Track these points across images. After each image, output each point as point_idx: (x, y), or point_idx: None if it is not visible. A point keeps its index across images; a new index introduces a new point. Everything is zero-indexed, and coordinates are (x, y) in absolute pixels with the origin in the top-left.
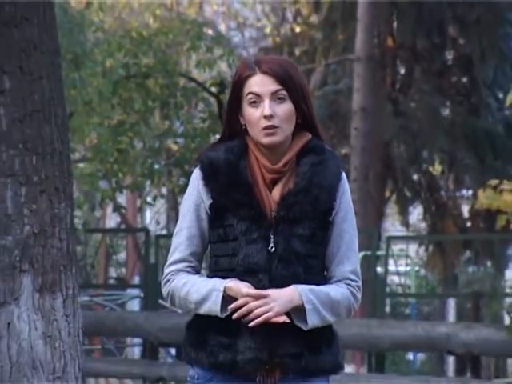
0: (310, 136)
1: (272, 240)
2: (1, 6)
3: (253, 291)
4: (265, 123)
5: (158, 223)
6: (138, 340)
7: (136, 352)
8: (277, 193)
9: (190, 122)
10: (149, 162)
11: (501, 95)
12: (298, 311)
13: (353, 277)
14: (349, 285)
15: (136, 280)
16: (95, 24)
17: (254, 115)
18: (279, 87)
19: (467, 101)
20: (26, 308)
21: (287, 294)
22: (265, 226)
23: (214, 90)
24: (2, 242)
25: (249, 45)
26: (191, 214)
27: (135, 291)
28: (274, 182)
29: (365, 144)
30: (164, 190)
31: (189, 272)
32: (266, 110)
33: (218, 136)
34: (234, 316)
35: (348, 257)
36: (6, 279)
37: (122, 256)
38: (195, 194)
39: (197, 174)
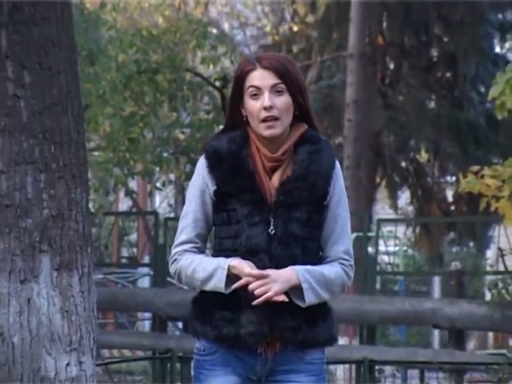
0: (306, 127)
1: (272, 223)
2: (21, 6)
3: (254, 272)
4: (265, 114)
5: (170, 206)
6: (148, 314)
7: (146, 325)
8: (276, 179)
9: (195, 113)
10: (158, 151)
11: (482, 89)
12: (295, 290)
13: (346, 256)
14: (342, 264)
15: (146, 259)
16: (109, 23)
17: (254, 107)
18: (278, 81)
19: (451, 94)
20: (44, 285)
21: (285, 275)
22: (265, 210)
23: (217, 84)
24: (23, 224)
25: (250, 43)
26: (197, 198)
27: (145, 269)
28: (274, 170)
29: (357, 134)
30: (172, 177)
31: (194, 252)
32: (265, 102)
33: (221, 127)
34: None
35: (341, 238)
36: (26, 259)
37: (133, 237)
38: (200, 180)
39: (202, 162)
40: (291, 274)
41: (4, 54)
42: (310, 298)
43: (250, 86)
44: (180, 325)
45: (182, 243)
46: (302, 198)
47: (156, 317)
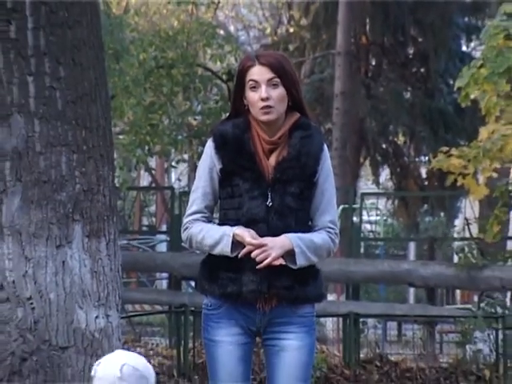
0: (299, 115)
1: (269, 197)
2: (56, 10)
3: (255, 241)
4: (262, 104)
5: (179, 180)
6: (165, 274)
7: (163, 284)
8: (273, 160)
9: (205, 102)
10: (174, 134)
11: (451, 82)
12: (289, 254)
13: (332, 225)
14: (328, 232)
15: (163, 227)
16: (131, 26)
17: (253, 98)
18: (273, 75)
19: (424, 86)
20: (77, 250)
21: (281, 242)
22: (264, 186)
23: (224, 77)
24: (58, 197)
25: (252, 42)
26: (205, 175)
27: (163, 236)
28: (271, 151)
29: (344, 121)
30: (186, 156)
31: (203, 221)
32: (262, 94)
33: (227, 114)
34: (241, 255)
35: (328, 210)
36: (61, 227)
37: (152, 208)
38: (209, 160)
39: (210, 144)
40: (285, 241)
41: (42, 51)
42: (301, 261)
43: (250, 80)
44: (192, 283)
45: (192, 213)
46: (295, 175)
47: (172, 276)
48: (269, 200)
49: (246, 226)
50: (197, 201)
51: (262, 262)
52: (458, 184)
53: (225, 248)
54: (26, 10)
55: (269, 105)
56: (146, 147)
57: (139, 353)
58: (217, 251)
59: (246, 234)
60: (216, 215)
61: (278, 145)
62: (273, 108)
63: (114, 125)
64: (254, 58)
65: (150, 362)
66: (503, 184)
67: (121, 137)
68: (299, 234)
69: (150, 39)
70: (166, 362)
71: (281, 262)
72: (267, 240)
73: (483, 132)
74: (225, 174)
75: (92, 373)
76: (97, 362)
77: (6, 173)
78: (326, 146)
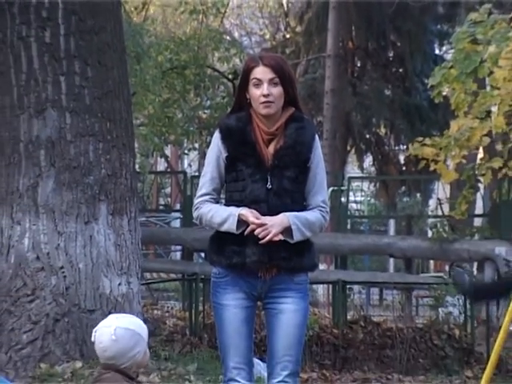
0: (293, 109)
1: (269, 180)
2: (84, 19)
3: (257, 221)
4: (263, 99)
5: (197, 165)
6: (178, 247)
7: (178, 255)
8: (271, 148)
9: (213, 98)
10: (186, 126)
11: (426, 81)
12: (287, 230)
13: (323, 205)
14: (320, 210)
15: (177, 206)
16: (150, 32)
17: (256, 93)
18: (274, 75)
19: (402, 85)
20: (102, 226)
21: (279, 220)
22: (264, 171)
23: (230, 77)
24: (86, 180)
25: (254, 47)
26: (213, 162)
27: (177, 214)
28: (270, 141)
29: (333, 114)
30: (196, 145)
31: (212, 202)
32: (264, 91)
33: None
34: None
35: (320, 191)
36: (89, 206)
37: (167, 190)
38: (216, 148)
39: (217, 135)
40: (284, 219)
41: (72, 54)
42: (297, 236)
43: (254, 78)
44: (202, 255)
45: (202, 195)
46: (291, 161)
47: (184, 249)
48: (268, 183)
49: (249, 205)
50: (206, 184)
51: (263, 238)
52: (432, 169)
53: (231, 226)
54: (59, 19)
55: (269, 100)
56: (162, 137)
57: (156, 315)
58: (224, 228)
59: (250, 215)
60: (222, 196)
61: (275, 135)
62: (272, 103)
63: (135, 118)
64: (258, 60)
65: (166, 323)
66: (470, 169)
67: (141, 128)
68: (295, 213)
69: (166, 44)
70: (179, 323)
71: (280, 237)
72: (268, 219)
73: (453, 125)
74: (230, 161)
75: (92, 339)
76: (94, 329)
77: (41, 159)
78: (317, 136)
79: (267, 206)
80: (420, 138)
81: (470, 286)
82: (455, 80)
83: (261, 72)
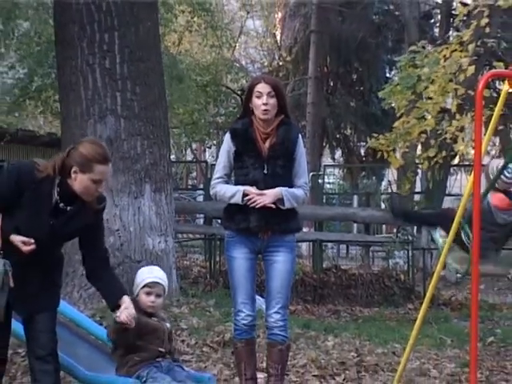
0: (283, 116)
1: (265, 167)
2: (134, 51)
3: (256, 191)
4: (263, 107)
5: (215, 157)
6: (202, 215)
7: (201, 221)
8: (267, 144)
9: (227, 108)
10: (207, 128)
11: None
12: (279, 200)
13: (304, 184)
14: (303, 188)
15: (201, 186)
16: (183, 60)
17: (258, 103)
18: (271, 90)
19: (363, 99)
20: (147, 200)
21: (274, 192)
22: (262, 160)
23: (239, 93)
24: (135, 167)
25: (256, 71)
26: (225, 154)
27: (201, 191)
28: (266, 139)
29: (313, 120)
30: (214, 142)
31: (224, 183)
32: (264, 101)
33: (238, 115)
34: (248, 203)
35: (302, 175)
36: (137, 186)
37: (194, 174)
38: (227, 145)
39: (227, 135)
40: (277, 191)
41: (125, 76)
42: (287, 204)
43: (257, 91)
44: (219, 221)
45: (217, 178)
46: (281, 153)
47: (206, 216)
48: (265, 169)
49: (251, 185)
50: (220, 170)
51: (262, 206)
52: (385, 158)
53: (238, 199)
54: (116, 51)
55: (267, 108)
56: (190, 137)
57: (185, 264)
58: (233, 201)
59: (251, 189)
60: (232, 179)
61: (270, 134)
62: (269, 111)
63: (170, 122)
64: (261, 78)
65: (192, 270)
66: (411, 157)
67: (174, 130)
68: (285, 188)
69: (193, 68)
70: (202, 270)
71: (273, 205)
72: (265, 191)
73: (398, 123)
74: (237, 154)
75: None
76: (148, 267)
77: None
78: (300, 136)
79: (264, 185)
80: (375, 135)
81: (396, 206)
82: (399, 93)
83: (262, 87)
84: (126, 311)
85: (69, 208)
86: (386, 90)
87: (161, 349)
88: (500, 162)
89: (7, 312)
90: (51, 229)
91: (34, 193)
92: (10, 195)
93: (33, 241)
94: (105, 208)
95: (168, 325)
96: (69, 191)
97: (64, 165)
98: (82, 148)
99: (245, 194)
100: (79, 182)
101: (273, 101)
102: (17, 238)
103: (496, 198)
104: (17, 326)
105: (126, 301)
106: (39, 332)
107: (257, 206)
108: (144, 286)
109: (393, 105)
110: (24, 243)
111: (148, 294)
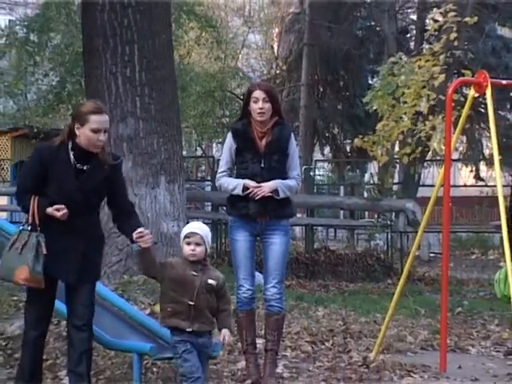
0: (278, 117)
1: (262, 162)
2: (151, 61)
3: (255, 184)
4: (259, 110)
5: (221, 153)
6: (209, 203)
7: (209, 208)
8: (264, 142)
9: (231, 111)
10: (214, 129)
11: (363, 100)
12: (275, 191)
13: (297, 176)
14: (296, 179)
15: (208, 178)
16: (192, 70)
17: (254, 107)
18: (266, 96)
19: (348, 102)
20: (162, 190)
21: (270, 184)
22: (259, 156)
23: (242, 97)
24: (152, 162)
25: (256, 78)
26: (227, 151)
27: (208, 182)
28: (262, 137)
29: (305, 121)
30: (220, 140)
31: (227, 176)
32: (259, 105)
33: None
34: (249, 194)
35: (295, 168)
36: (154, 177)
37: (203, 168)
38: (229, 143)
39: (229, 134)
40: (273, 183)
41: (143, 83)
42: (281, 194)
43: (253, 97)
44: (224, 208)
45: (221, 172)
46: (277, 150)
47: (213, 204)
48: (262, 164)
49: (250, 178)
50: (223, 165)
51: (261, 197)
52: (369, 155)
53: (239, 191)
54: (135, 61)
55: (262, 112)
56: (200, 136)
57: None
58: (235, 192)
59: (251, 182)
60: (234, 172)
61: (266, 133)
62: (264, 113)
63: (182, 123)
64: (256, 86)
65: None
66: (392, 155)
67: (186, 129)
68: (280, 180)
69: (202, 77)
70: (210, 250)
71: (269, 194)
72: (262, 184)
73: (380, 126)
74: (238, 150)
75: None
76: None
77: (124, 148)
78: (292, 134)
79: (261, 178)
80: (360, 135)
81: None
82: (380, 98)
83: (257, 94)
84: (139, 233)
85: (85, 167)
86: (369, 96)
87: (190, 302)
88: None
89: (51, 286)
90: (77, 190)
91: (55, 164)
92: (38, 175)
93: (63, 206)
94: (121, 165)
95: (211, 281)
96: (81, 151)
97: (70, 129)
98: (79, 107)
99: (245, 186)
100: (82, 135)
101: (267, 105)
102: (50, 209)
103: None
104: (59, 306)
105: (140, 229)
106: (79, 304)
107: (256, 198)
108: (184, 238)
109: (374, 108)
110: (57, 210)
111: (188, 244)
